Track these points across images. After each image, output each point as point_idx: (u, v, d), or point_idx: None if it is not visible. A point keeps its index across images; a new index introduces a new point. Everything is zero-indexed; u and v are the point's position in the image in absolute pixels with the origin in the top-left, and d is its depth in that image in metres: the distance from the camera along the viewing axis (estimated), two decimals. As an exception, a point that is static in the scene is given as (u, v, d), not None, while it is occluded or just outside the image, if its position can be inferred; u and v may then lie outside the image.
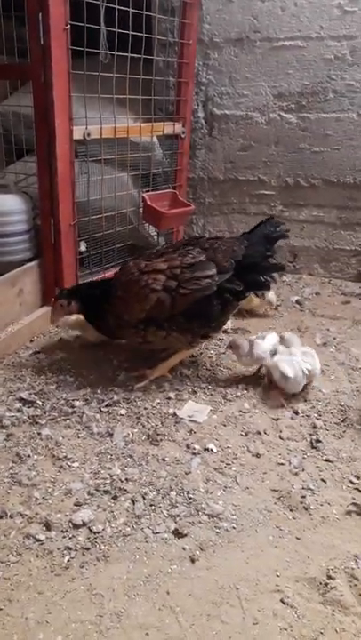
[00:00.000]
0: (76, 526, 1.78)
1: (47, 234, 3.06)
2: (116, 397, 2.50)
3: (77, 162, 3.02)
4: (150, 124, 3.45)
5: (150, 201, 3.40)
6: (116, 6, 2.89)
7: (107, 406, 2.43)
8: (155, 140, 3.65)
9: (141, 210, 3.54)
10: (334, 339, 3.20)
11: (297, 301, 3.70)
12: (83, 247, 3.26)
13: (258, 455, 2.18)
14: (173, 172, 3.83)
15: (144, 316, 2.53)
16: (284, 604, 1.56)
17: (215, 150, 4.13)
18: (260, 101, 3.91)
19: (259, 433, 2.32)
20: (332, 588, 1.60)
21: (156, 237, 3.93)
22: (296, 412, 2.47)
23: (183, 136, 3.75)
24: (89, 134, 3.01)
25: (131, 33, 3.00)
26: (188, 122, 3.78)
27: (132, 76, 3.15)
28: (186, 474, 2.05)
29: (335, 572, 1.65)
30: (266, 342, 2.66)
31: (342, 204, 3.93)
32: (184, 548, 1.73)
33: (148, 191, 3.55)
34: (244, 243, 2.62)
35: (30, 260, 3.24)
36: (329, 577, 1.64)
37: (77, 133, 2.95)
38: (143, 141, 3.52)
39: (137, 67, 3.22)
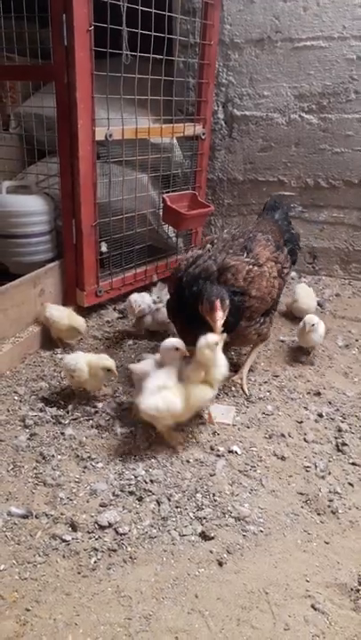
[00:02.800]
0: (101, 527, 1.77)
1: (69, 234, 3.06)
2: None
3: (98, 163, 3.02)
4: (171, 125, 3.44)
5: (170, 202, 3.39)
6: (139, 7, 2.89)
7: (129, 406, 2.42)
8: (174, 141, 3.64)
9: (161, 211, 3.53)
10: (356, 340, 3.16)
11: (318, 303, 3.66)
12: (104, 248, 3.26)
13: (283, 458, 2.16)
14: (193, 174, 3.81)
15: (270, 306, 2.60)
16: (315, 609, 1.53)
17: (235, 151, 4.11)
18: (281, 102, 3.88)
19: (283, 435, 2.29)
20: (363, 594, 1.57)
21: (174, 238, 3.91)
22: (320, 415, 2.44)
23: (203, 137, 3.73)
24: (111, 135, 3.00)
25: (153, 34, 3.00)
26: (208, 123, 3.76)
27: (154, 77, 3.15)
28: (211, 476, 2.03)
29: (366, 578, 1.62)
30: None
31: (363, 206, 3.90)
32: (211, 551, 1.71)
33: (168, 192, 3.54)
34: (283, 222, 3.03)
35: (51, 260, 3.25)
36: (360, 583, 1.60)
37: (99, 134, 2.94)
38: (163, 142, 3.51)
39: (158, 68, 3.22)
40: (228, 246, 2.59)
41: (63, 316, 2.86)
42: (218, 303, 2.20)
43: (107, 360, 2.40)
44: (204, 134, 3.72)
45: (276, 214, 3.09)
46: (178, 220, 3.45)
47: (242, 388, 2.63)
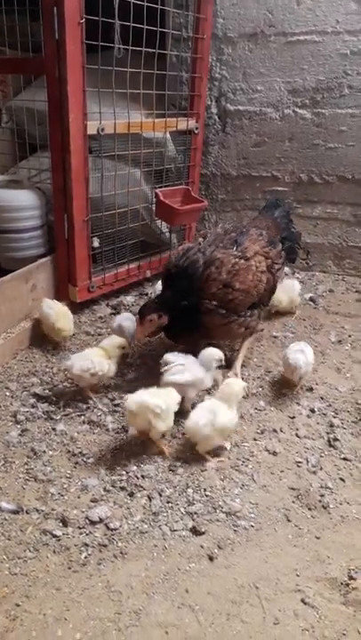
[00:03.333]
0: (92, 523, 1.77)
1: (60, 229, 3.05)
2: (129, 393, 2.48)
3: (90, 157, 3.00)
4: (164, 119, 3.42)
5: (163, 197, 3.37)
6: (131, 0, 2.87)
7: (120, 402, 2.41)
8: (167, 135, 3.62)
9: (154, 206, 3.52)
10: (349, 336, 3.16)
11: (310, 299, 3.66)
12: (96, 243, 3.24)
13: (275, 453, 2.16)
14: (186, 168, 3.79)
15: (257, 299, 2.62)
16: (305, 604, 1.53)
17: (228, 146, 4.09)
18: (275, 97, 3.86)
19: (275, 431, 2.30)
20: (353, 588, 1.58)
21: (167, 234, 3.90)
22: (312, 410, 2.44)
23: (196, 132, 3.71)
24: (103, 129, 2.99)
25: (145, 27, 2.98)
26: (201, 117, 3.74)
27: (146, 71, 3.12)
28: (202, 471, 2.03)
29: (356, 572, 1.63)
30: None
31: (357, 201, 3.88)
32: (202, 546, 1.71)
33: (161, 187, 3.53)
34: (282, 220, 3.06)
35: (43, 255, 3.23)
36: (350, 577, 1.61)
37: (91, 128, 2.92)
38: (156, 137, 3.49)
39: (150, 62, 3.20)
40: (218, 240, 2.63)
41: (52, 314, 2.83)
42: (138, 319, 2.49)
43: (118, 339, 2.48)
44: (197, 129, 3.71)
45: (276, 212, 3.12)
46: (171, 216, 3.43)
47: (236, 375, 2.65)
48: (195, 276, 2.46)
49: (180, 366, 2.27)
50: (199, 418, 2.02)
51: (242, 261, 2.51)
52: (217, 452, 2.13)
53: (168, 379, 2.23)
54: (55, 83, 2.77)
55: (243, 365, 2.75)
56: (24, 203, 3.17)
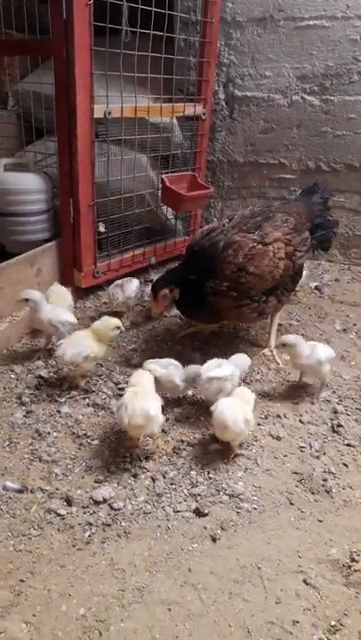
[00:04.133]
0: (96, 502, 1.78)
1: (66, 214, 3.04)
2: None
3: (97, 142, 2.99)
4: (171, 104, 3.39)
5: (169, 182, 3.36)
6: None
7: (125, 386, 2.42)
8: (174, 121, 3.59)
9: (160, 192, 3.50)
10: (354, 325, 3.16)
11: (316, 287, 3.65)
12: (102, 228, 3.23)
13: (278, 438, 2.16)
14: (193, 154, 3.77)
15: (272, 285, 2.59)
16: (306, 584, 1.54)
17: (236, 133, 4.06)
18: (283, 83, 3.83)
19: (279, 416, 2.30)
20: (355, 570, 1.59)
21: (173, 220, 3.89)
22: (316, 397, 2.44)
23: (204, 117, 3.68)
24: (110, 113, 2.96)
25: (153, 10, 2.94)
26: (208, 103, 3.71)
27: (154, 55, 3.09)
28: (205, 454, 2.04)
29: (358, 554, 1.64)
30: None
31: (364, 190, 3.87)
32: (205, 527, 1.72)
33: (167, 173, 3.51)
34: (317, 207, 2.98)
35: (49, 240, 3.22)
36: (352, 559, 1.62)
37: (98, 112, 2.90)
38: (163, 122, 3.47)
39: (158, 46, 3.17)
40: (243, 223, 2.63)
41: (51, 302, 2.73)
42: (152, 294, 2.59)
43: (111, 320, 2.45)
44: (204, 115, 3.68)
45: (313, 197, 3.06)
46: (177, 202, 3.42)
47: (274, 359, 2.72)
48: (213, 258, 2.50)
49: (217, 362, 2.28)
50: (236, 414, 1.95)
51: (259, 246, 2.51)
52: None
53: (208, 374, 2.21)
54: (62, 64, 2.74)
55: (244, 352, 2.75)
56: (30, 186, 3.16)
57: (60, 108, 2.85)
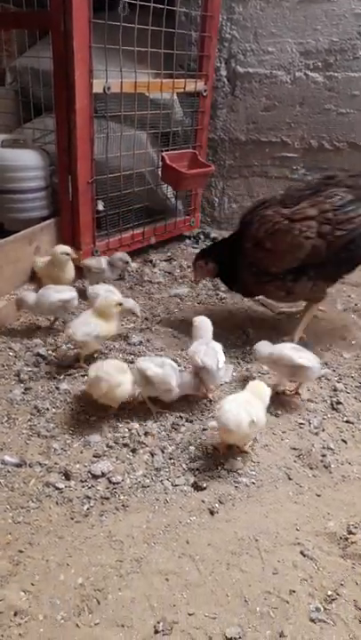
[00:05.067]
0: (95, 476, 1.78)
1: (64, 191, 3.00)
2: (133, 357, 2.48)
3: (96, 118, 2.94)
4: (171, 80, 3.33)
5: (169, 160, 3.31)
6: None
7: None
8: (175, 97, 3.53)
9: (160, 170, 3.46)
10: (356, 305, 3.14)
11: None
12: (100, 206, 3.20)
13: (277, 415, 2.16)
14: (193, 132, 3.72)
15: (297, 265, 2.46)
16: (304, 556, 1.55)
17: (237, 110, 4.00)
18: (286, 59, 3.75)
19: (278, 393, 2.29)
20: (352, 542, 1.59)
21: (173, 200, 3.85)
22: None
23: (205, 94, 3.63)
24: (109, 88, 2.91)
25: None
26: (210, 79, 3.65)
27: (154, 28, 3.03)
28: (204, 430, 2.04)
29: (356, 527, 1.64)
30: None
31: (367, 169, 3.81)
32: (203, 501, 1.72)
33: (168, 151, 3.46)
34: None
35: (47, 218, 3.19)
36: (350, 532, 1.62)
37: (97, 87, 2.85)
38: (163, 99, 3.41)
39: (158, 19, 3.10)
40: (289, 196, 2.55)
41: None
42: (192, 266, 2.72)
43: (112, 296, 2.45)
44: (205, 91, 3.62)
45: None
46: (177, 180, 3.38)
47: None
48: (245, 231, 2.54)
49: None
50: (240, 417, 1.78)
51: (285, 222, 2.41)
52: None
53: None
54: (61, 37, 2.69)
55: (245, 334, 2.74)
56: (28, 162, 3.12)
57: (59, 83, 2.80)
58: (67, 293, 2.58)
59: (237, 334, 2.74)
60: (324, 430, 2.08)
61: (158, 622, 1.34)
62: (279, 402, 2.24)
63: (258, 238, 2.46)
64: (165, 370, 2.04)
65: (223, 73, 3.94)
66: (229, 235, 2.77)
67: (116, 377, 1.99)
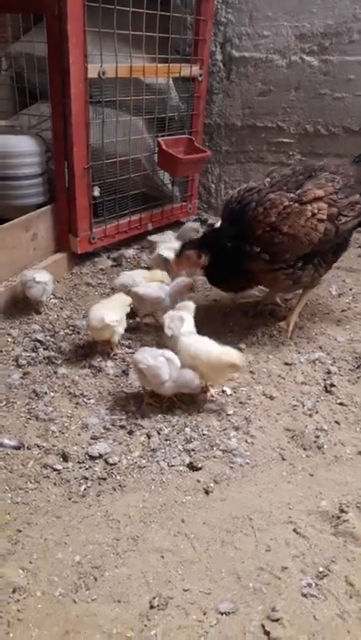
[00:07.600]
0: (92, 458, 1.81)
1: (61, 177, 3.00)
2: (129, 342, 2.51)
3: (91, 104, 2.92)
4: (166, 64, 3.31)
5: (165, 146, 3.31)
6: None
7: (120, 352, 2.44)
8: (170, 82, 3.51)
9: (156, 156, 3.45)
10: (351, 289, 3.16)
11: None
12: (96, 192, 3.20)
13: (272, 397, 2.19)
14: (189, 117, 3.70)
15: (309, 250, 2.39)
16: (296, 533, 1.58)
17: (233, 95, 3.97)
18: (281, 43, 3.73)
19: (271, 377, 2.32)
20: (344, 521, 1.62)
21: (170, 186, 3.84)
22: (310, 359, 2.46)
23: (200, 79, 3.60)
24: (104, 73, 2.90)
25: None
26: (205, 64, 3.62)
27: (149, 12, 3.01)
28: (199, 412, 2.07)
29: (348, 506, 1.67)
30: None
31: (363, 154, 3.80)
32: (198, 481, 1.76)
33: (164, 136, 3.45)
34: None
35: (44, 204, 3.19)
36: (342, 511, 1.66)
37: (92, 71, 2.84)
38: (158, 83, 3.39)
39: (153, 3, 3.07)
40: (283, 182, 2.46)
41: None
42: (176, 258, 2.54)
43: (124, 297, 2.47)
44: (201, 76, 3.60)
45: None
46: (173, 165, 3.38)
47: (286, 334, 2.62)
48: (244, 218, 2.37)
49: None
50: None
51: (295, 205, 2.34)
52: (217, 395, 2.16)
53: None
54: (55, 21, 2.67)
55: (243, 316, 2.76)
56: (23, 149, 3.11)
57: (53, 68, 2.79)
58: None
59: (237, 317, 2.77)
60: (317, 412, 2.11)
61: (154, 598, 1.38)
62: (275, 385, 2.27)
63: (272, 223, 2.33)
64: (157, 362, 1.98)
65: (219, 57, 3.92)
66: (219, 225, 2.63)
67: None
